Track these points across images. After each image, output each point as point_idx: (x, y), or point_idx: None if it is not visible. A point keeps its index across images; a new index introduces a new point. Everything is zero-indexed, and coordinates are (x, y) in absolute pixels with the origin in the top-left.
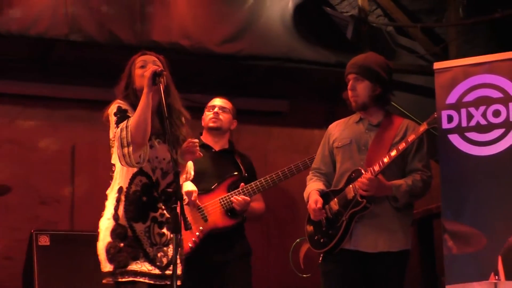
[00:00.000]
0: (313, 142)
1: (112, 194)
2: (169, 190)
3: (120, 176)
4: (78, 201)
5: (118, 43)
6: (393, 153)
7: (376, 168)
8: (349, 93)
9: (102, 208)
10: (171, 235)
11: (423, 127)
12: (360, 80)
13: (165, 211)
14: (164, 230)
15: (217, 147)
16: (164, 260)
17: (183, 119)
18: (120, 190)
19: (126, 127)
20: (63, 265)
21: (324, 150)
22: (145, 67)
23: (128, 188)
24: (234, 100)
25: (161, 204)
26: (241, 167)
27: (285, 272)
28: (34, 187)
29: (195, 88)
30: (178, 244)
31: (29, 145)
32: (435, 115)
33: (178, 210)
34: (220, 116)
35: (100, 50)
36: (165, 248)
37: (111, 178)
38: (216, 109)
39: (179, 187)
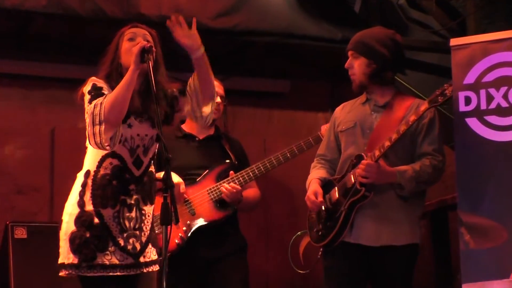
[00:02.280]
0: (316, 125)
1: (78, 179)
2: (155, 175)
3: (88, 159)
4: (58, 190)
5: (103, 16)
6: (394, 136)
7: (377, 152)
8: (350, 71)
9: None
10: (142, 217)
11: (423, 106)
12: (356, 57)
13: (136, 194)
14: (133, 214)
15: (201, 136)
16: (138, 246)
17: (168, 96)
18: (87, 174)
19: (101, 103)
20: (41, 259)
21: (330, 135)
22: (134, 40)
23: (96, 171)
24: (229, 80)
25: (133, 186)
26: (230, 153)
27: (284, 267)
28: (9, 175)
29: (187, 66)
30: (168, 238)
31: (3, 128)
32: (437, 92)
33: (169, 200)
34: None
35: (82, 24)
36: (137, 232)
37: None
38: None
39: (169, 174)
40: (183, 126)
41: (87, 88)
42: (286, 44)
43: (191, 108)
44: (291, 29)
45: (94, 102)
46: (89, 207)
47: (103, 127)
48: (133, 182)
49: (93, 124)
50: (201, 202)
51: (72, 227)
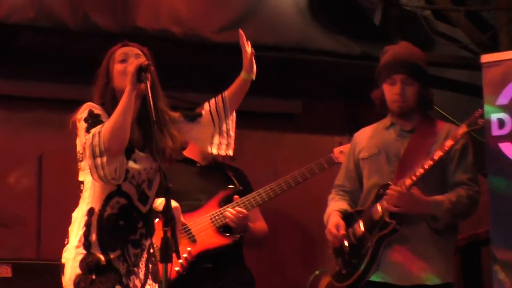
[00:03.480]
0: (332, 149)
1: (79, 217)
2: (158, 208)
3: (91, 196)
4: (46, 223)
5: (96, 30)
6: (428, 163)
7: (408, 181)
8: (395, 97)
9: None
10: (141, 252)
11: (462, 130)
12: (409, 83)
13: (141, 229)
14: (138, 250)
15: (203, 162)
16: (138, 284)
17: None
18: (90, 212)
19: (99, 132)
20: None
21: (349, 163)
22: (126, 61)
23: (102, 210)
24: None
25: (141, 223)
26: (234, 180)
27: None
28: None
29: (187, 85)
30: (167, 276)
31: None
32: (477, 114)
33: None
34: None
35: (74, 38)
36: (135, 269)
37: (80, 198)
38: None
39: (169, 206)
40: (185, 151)
41: (82, 114)
42: (298, 60)
43: (210, 136)
44: (303, 43)
45: (92, 132)
46: (95, 249)
47: (105, 158)
48: (141, 219)
49: (94, 156)
50: (203, 228)
51: (77, 271)
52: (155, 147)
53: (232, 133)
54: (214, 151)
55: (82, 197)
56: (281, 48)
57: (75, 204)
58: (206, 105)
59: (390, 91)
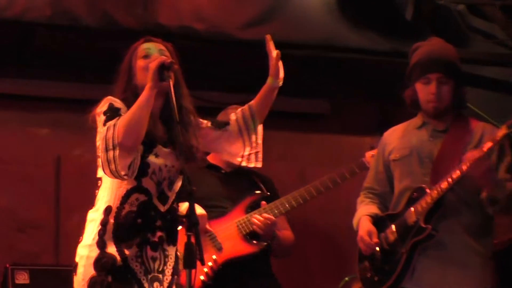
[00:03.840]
0: (362, 152)
1: (96, 215)
2: (179, 209)
3: (109, 193)
4: (64, 227)
5: (115, 27)
6: (465, 165)
7: (444, 185)
8: (430, 96)
9: None
10: (165, 258)
11: (502, 131)
12: (444, 82)
13: (161, 231)
14: (157, 253)
15: (228, 168)
16: None
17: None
18: (107, 210)
19: (114, 125)
20: None
21: (378, 165)
22: (148, 57)
23: (120, 208)
24: None
25: (159, 222)
26: (261, 186)
27: None
28: (8, 210)
29: (211, 84)
30: (192, 283)
31: (2, 157)
32: None
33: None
34: None
35: (92, 36)
36: (160, 276)
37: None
38: None
39: (193, 210)
40: (209, 157)
41: (102, 108)
42: (326, 58)
43: (242, 146)
44: (332, 41)
45: (107, 124)
46: (111, 248)
47: (117, 152)
48: (159, 218)
49: (107, 149)
50: (229, 235)
51: (91, 271)
52: (179, 148)
53: (260, 142)
54: (244, 163)
55: (99, 195)
56: (308, 46)
57: (93, 206)
58: (233, 115)
59: (425, 91)
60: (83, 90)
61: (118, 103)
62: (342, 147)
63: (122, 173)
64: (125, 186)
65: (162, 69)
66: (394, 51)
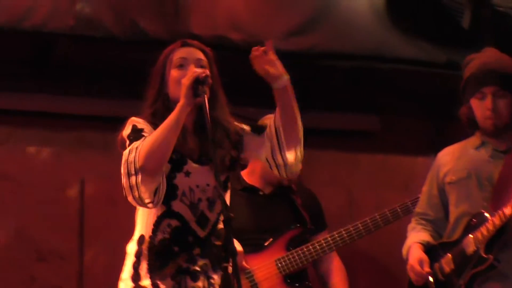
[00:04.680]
0: (414, 174)
1: (131, 246)
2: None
3: (141, 221)
4: (89, 257)
5: (144, 38)
6: None
7: (508, 211)
8: (487, 113)
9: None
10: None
11: None
12: (502, 95)
13: (203, 258)
14: (200, 283)
15: (267, 189)
16: None
17: (231, 135)
18: (141, 240)
19: (136, 148)
20: None
21: (432, 188)
22: (184, 67)
23: (153, 236)
24: (304, 115)
25: (198, 250)
26: (304, 214)
27: None
28: (28, 238)
29: (247, 99)
30: None
31: (21, 179)
32: None
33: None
34: None
35: (119, 48)
36: None
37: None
38: None
39: (230, 239)
40: (244, 176)
41: (126, 131)
42: (376, 70)
43: (270, 154)
44: (381, 51)
45: (130, 147)
46: (145, 281)
47: (139, 177)
48: (198, 245)
49: (129, 174)
50: (268, 275)
51: None
52: (214, 169)
53: (289, 155)
54: (283, 174)
55: (136, 224)
56: (356, 56)
57: (121, 236)
58: (268, 120)
59: (480, 107)
60: (109, 106)
61: (141, 123)
62: (393, 167)
63: (147, 201)
64: (154, 212)
65: (197, 84)
66: (450, 62)
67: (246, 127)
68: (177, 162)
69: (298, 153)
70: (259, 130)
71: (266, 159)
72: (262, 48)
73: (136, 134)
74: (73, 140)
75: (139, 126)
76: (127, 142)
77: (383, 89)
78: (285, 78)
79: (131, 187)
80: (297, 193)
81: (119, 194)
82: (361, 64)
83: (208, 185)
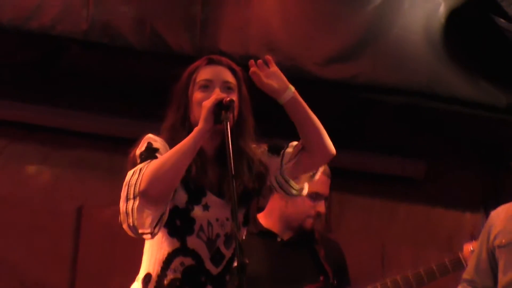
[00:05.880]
0: (461, 231)
1: (135, 286)
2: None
3: (148, 257)
4: None
5: (165, 50)
6: None
7: None
8: None
9: None
10: None
11: None
12: None
13: None
14: None
15: (286, 235)
16: None
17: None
18: (146, 279)
19: (140, 169)
20: None
21: (481, 252)
22: (209, 88)
23: (161, 276)
24: (338, 154)
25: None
26: (326, 267)
27: None
28: (14, 268)
29: (279, 130)
30: None
31: (12, 200)
32: None
33: None
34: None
35: (136, 60)
36: None
37: None
38: None
39: (243, 283)
40: (261, 218)
41: (140, 149)
42: (425, 108)
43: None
44: (434, 87)
45: (134, 168)
46: None
47: (136, 203)
48: (211, 283)
49: (127, 198)
50: None
51: None
52: (233, 211)
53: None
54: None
55: (142, 261)
56: (403, 91)
57: (118, 272)
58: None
59: None
60: (118, 125)
61: (157, 142)
62: (436, 223)
63: (142, 231)
64: (165, 247)
65: (219, 109)
66: (510, 106)
67: (263, 148)
68: (195, 194)
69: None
70: (275, 149)
71: (275, 178)
72: (260, 60)
73: (149, 153)
74: (74, 160)
75: (155, 145)
76: (138, 161)
77: (432, 130)
78: (292, 90)
79: (127, 213)
80: (320, 243)
81: (119, 226)
82: (408, 100)
83: (228, 219)
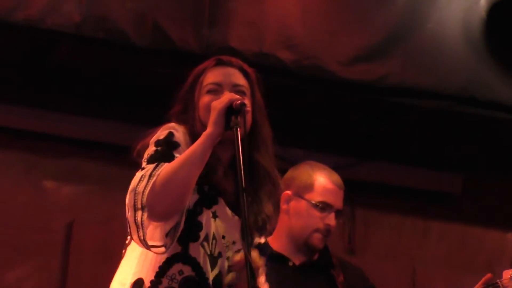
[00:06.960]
0: (502, 254)
1: None
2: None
3: (141, 260)
4: None
5: (169, 47)
6: None
7: None
8: None
9: None
10: None
11: None
12: None
13: None
14: None
15: (298, 259)
16: None
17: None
18: (137, 285)
19: (150, 176)
20: None
21: None
22: (218, 92)
23: (155, 282)
24: (363, 166)
25: None
26: None
27: None
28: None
29: (296, 139)
30: None
31: None
32: None
33: None
34: None
35: (136, 57)
36: None
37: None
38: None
39: None
40: (271, 242)
41: (159, 136)
42: (463, 114)
43: None
44: (472, 90)
45: (146, 169)
46: None
47: (145, 215)
48: None
49: (135, 207)
50: None
51: None
52: (243, 227)
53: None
54: None
55: (126, 258)
56: (438, 95)
57: None
58: None
59: None
60: (114, 131)
61: (180, 135)
62: (473, 245)
63: (150, 243)
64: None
65: (230, 113)
66: None
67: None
68: (207, 196)
69: None
70: None
71: None
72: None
73: (168, 147)
74: (64, 170)
75: (177, 138)
76: (153, 149)
77: (470, 140)
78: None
79: (136, 224)
80: (338, 267)
81: (115, 244)
82: (444, 105)
83: (234, 243)
